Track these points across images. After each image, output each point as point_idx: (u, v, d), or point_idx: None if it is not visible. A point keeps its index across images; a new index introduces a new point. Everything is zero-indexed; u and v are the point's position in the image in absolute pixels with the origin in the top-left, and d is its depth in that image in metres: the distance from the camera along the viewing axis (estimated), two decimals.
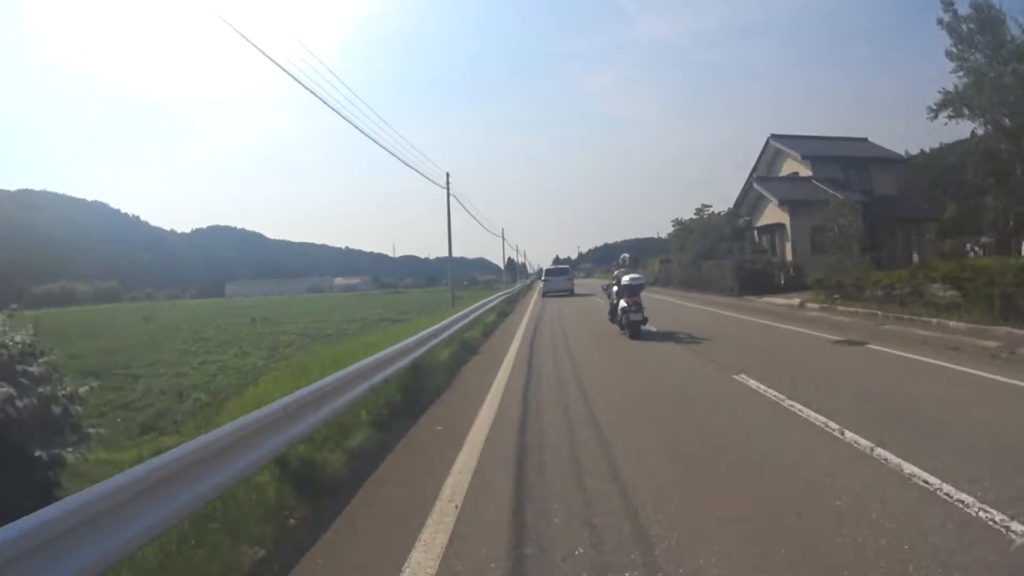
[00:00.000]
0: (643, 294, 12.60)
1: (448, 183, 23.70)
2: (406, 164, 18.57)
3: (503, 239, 59.43)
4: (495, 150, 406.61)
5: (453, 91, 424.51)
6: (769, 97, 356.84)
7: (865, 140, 34.23)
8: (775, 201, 25.29)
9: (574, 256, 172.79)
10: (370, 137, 14.41)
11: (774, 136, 30.92)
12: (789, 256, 25.08)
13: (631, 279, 12.37)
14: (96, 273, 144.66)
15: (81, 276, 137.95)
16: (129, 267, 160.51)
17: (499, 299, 25.18)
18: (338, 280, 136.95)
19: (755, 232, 27.94)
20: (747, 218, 27.68)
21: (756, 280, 22.84)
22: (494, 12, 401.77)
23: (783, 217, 25.69)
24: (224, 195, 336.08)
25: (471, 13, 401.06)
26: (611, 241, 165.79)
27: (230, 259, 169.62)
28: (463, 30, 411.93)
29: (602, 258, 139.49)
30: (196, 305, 72.04)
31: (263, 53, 9.21)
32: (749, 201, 28.10)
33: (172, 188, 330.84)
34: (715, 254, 27.53)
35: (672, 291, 29.45)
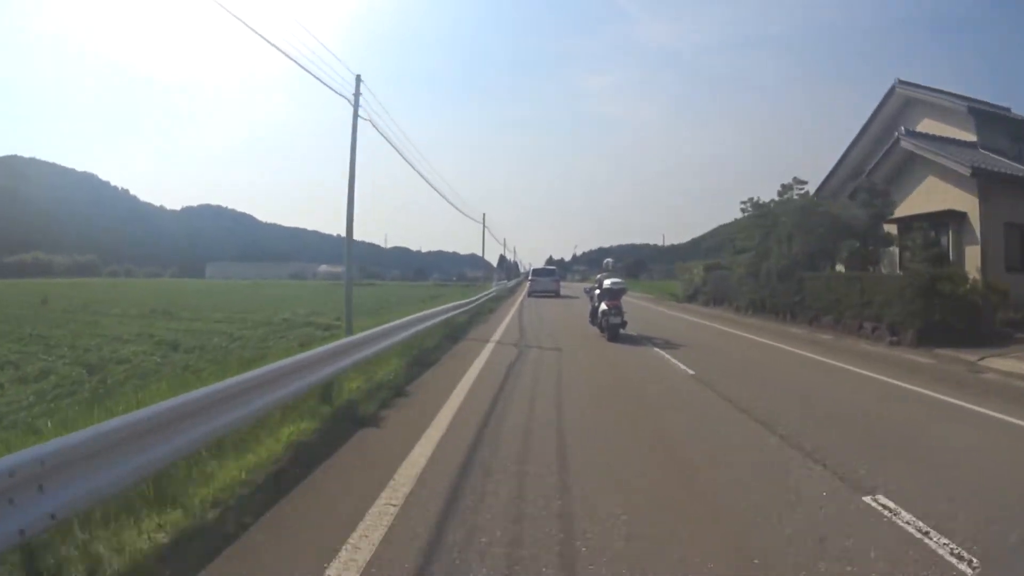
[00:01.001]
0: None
1: (357, 89, 11.71)
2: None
3: (483, 225, 46.48)
4: (492, 149, 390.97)
5: (451, 89, 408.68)
6: (769, 108, 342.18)
7: (1008, 111, 22.31)
8: (962, 169, 13.17)
9: (568, 258, 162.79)
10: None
11: (903, 83, 18.87)
12: (974, 268, 13.09)
13: (612, 283, 11.80)
14: (79, 245, 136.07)
15: (63, 247, 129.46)
16: (114, 241, 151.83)
17: (445, 315, 13.22)
18: (323, 267, 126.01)
19: (885, 226, 15.82)
20: (876, 202, 15.45)
21: (943, 316, 10.89)
22: (493, 10, 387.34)
23: (963, 201, 13.67)
24: (217, 175, 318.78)
25: (471, 11, 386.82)
26: (606, 245, 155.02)
27: (219, 239, 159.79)
28: (463, 28, 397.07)
29: (597, 261, 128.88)
30: (143, 285, 61.01)
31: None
32: (884, 172, 15.95)
33: (166, 165, 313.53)
34: (818, 262, 15.62)
35: (737, 319, 17.35)
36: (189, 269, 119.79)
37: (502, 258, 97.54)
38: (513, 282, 52.89)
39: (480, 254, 57.52)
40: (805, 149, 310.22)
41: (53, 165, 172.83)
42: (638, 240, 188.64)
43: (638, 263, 65.53)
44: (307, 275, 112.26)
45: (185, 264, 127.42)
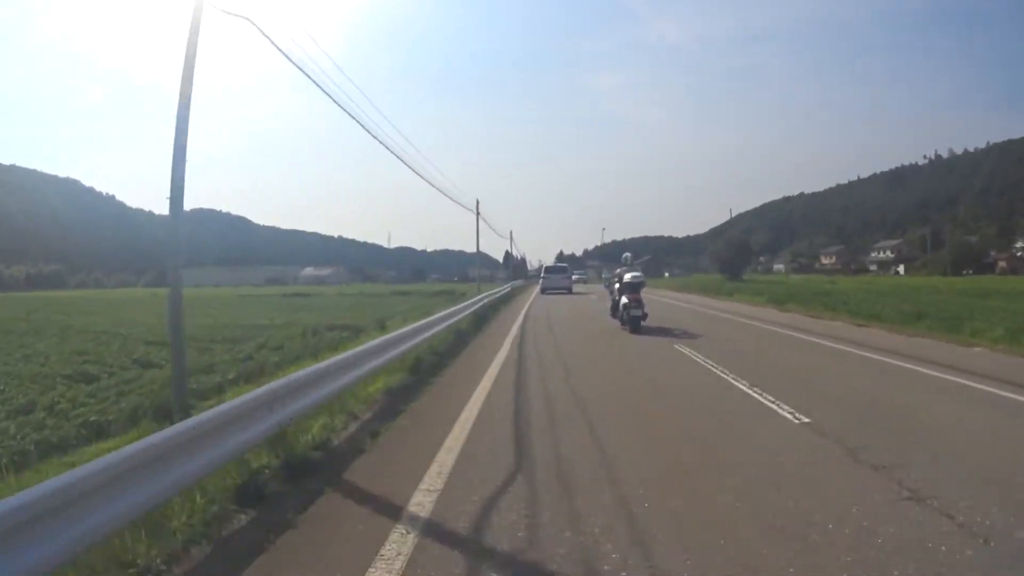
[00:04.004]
0: None
1: None
2: None
3: (477, 213, 21.29)
4: (500, 148, 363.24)
5: (458, 86, 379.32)
6: (779, 105, 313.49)
7: None
8: None
9: (579, 253, 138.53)
10: None
11: None
12: None
13: (632, 277, 11.32)
14: (56, 253, 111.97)
15: (37, 256, 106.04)
16: (95, 248, 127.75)
17: None
18: (307, 270, 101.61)
19: None
20: None
21: None
22: (502, 10, 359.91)
23: None
24: (214, 180, 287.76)
25: (479, 11, 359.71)
26: (620, 238, 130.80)
27: (209, 243, 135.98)
28: (471, 28, 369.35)
29: (612, 255, 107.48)
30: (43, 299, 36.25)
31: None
32: None
33: (157, 171, 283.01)
34: None
35: None
36: (167, 277, 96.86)
37: (507, 255, 73.39)
38: (504, 288, 28.71)
39: (487, 252, 33.04)
40: (816, 142, 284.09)
41: (32, 171, 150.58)
42: (652, 233, 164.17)
43: (743, 247, 35.68)
44: (287, 279, 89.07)
45: (160, 271, 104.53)
